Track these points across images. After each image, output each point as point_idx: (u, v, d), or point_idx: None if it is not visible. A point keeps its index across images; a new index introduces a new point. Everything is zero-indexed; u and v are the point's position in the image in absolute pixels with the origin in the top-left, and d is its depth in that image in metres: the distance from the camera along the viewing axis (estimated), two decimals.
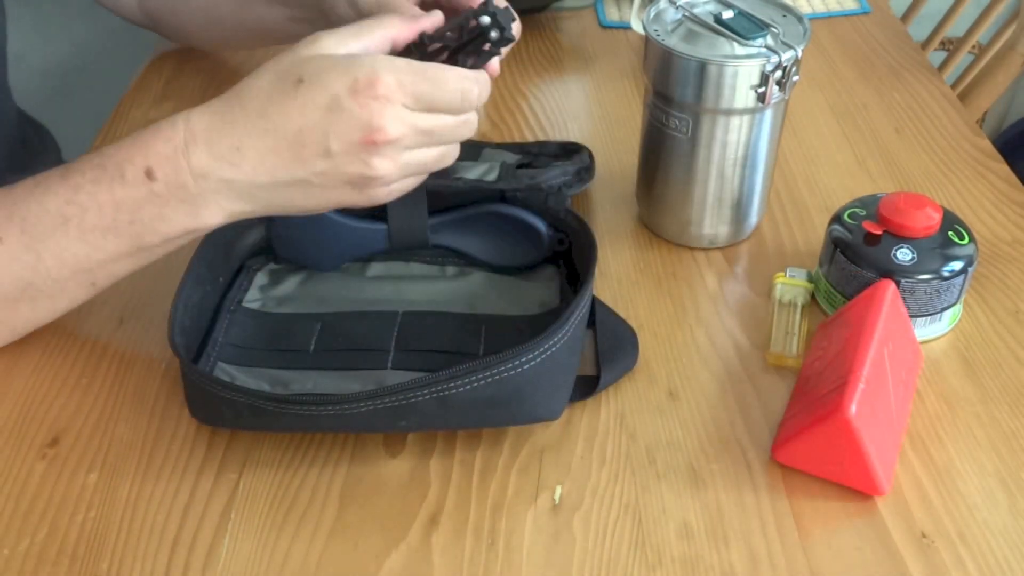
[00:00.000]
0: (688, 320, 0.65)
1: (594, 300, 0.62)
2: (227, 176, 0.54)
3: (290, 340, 0.61)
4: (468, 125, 0.56)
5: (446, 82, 0.53)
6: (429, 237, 0.66)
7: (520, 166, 0.70)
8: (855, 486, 0.53)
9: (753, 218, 0.71)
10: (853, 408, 0.50)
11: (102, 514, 0.53)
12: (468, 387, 0.52)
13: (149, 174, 0.54)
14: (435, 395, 0.52)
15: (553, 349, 0.53)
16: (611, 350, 0.61)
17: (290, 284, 0.66)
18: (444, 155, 0.56)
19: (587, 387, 0.59)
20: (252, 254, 0.66)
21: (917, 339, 0.61)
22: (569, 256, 0.65)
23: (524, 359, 0.52)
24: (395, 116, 0.52)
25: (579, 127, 0.85)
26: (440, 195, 0.65)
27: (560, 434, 0.57)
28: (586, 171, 0.70)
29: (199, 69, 0.93)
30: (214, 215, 0.55)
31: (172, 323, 0.56)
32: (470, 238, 0.66)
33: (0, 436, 0.58)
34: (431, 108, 0.53)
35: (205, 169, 0.54)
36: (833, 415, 0.51)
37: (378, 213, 0.65)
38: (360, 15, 0.65)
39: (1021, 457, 0.55)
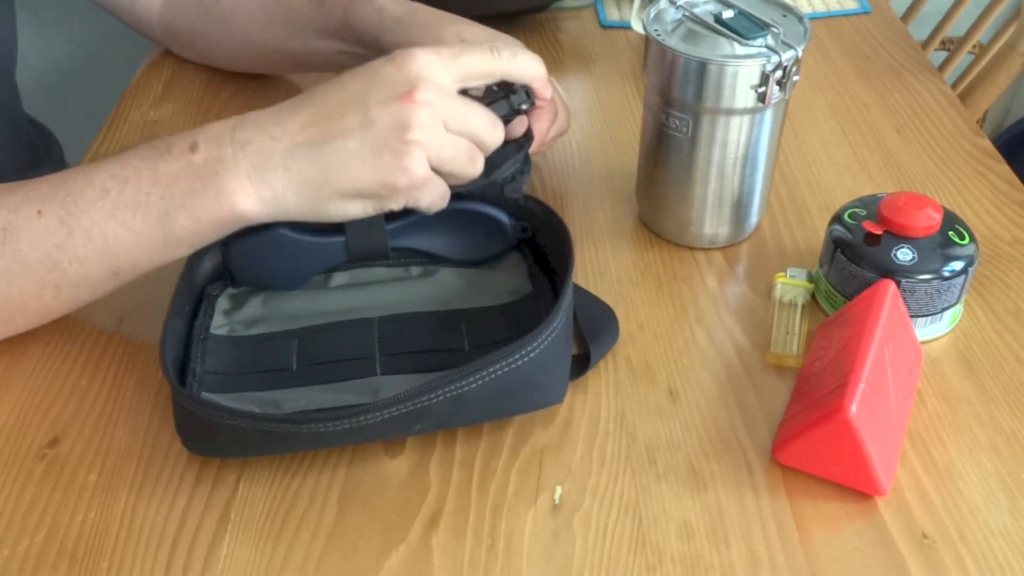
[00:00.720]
0: (688, 320, 0.65)
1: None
2: (265, 146, 0.54)
3: (270, 360, 0.60)
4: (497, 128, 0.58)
5: (478, 63, 0.57)
6: (389, 243, 0.64)
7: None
8: (855, 486, 0.53)
9: (753, 218, 0.71)
10: (853, 408, 0.50)
11: (102, 515, 0.53)
12: (481, 382, 0.52)
13: (193, 147, 0.55)
14: (450, 395, 0.52)
15: (555, 333, 0.54)
16: (594, 328, 0.62)
17: (254, 305, 0.64)
18: (472, 160, 0.57)
19: (579, 366, 0.60)
20: (210, 280, 0.64)
21: (918, 339, 0.61)
22: (532, 241, 0.66)
23: (531, 347, 0.53)
24: (435, 75, 0.55)
25: (579, 127, 0.85)
26: None
27: (560, 434, 0.57)
28: (528, 157, 0.67)
29: (199, 69, 0.93)
30: (243, 193, 0.54)
31: (164, 356, 0.54)
32: (432, 237, 0.66)
33: (0, 436, 0.58)
34: (465, 70, 0.56)
35: (246, 140, 0.54)
36: (833, 415, 0.51)
37: (334, 226, 0.62)
38: None
39: (1021, 457, 0.55)
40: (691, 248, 0.71)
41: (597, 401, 0.59)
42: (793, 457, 0.54)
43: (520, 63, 0.58)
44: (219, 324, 0.62)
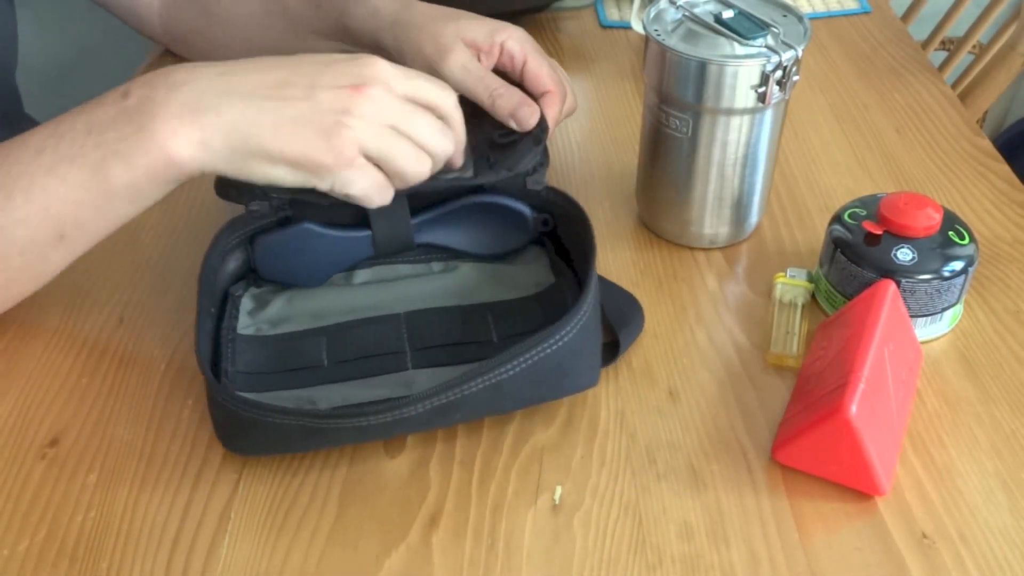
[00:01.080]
0: (688, 320, 0.65)
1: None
2: (202, 86, 0.54)
3: (301, 358, 0.60)
4: (441, 141, 0.58)
5: (432, 79, 0.58)
6: (414, 237, 0.65)
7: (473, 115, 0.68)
8: (855, 486, 0.53)
9: (753, 218, 0.71)
10: (853, 408, 0.50)
11: (102, 514, 0.53)
12: (518, 369, 0.53)
13: (125, 93, 0.55)
14: (489, 383, 0.53)
15: (585, 318, 0.55)
16: (620, 315, 0.62)
17: (278, 305, 0.64)
18: (417, 159, 0.57)
19: (609, 353, 0.60)
20: (232, 281, 0.64)
21: (918, 339, 0.61)
22: (553, 234, 0.66)
23: (564, 331, 0.53)
24: (389, 79, 0.56)
25: (579, 127, 0.85)
26: (420, 195, 0.64)
27: (560, 434, 0.57)
28: (546, 148, 0.68)
29: None
30: (173, 135, 0.53)
31: (200, 356, 0.54)
32: (455, 232, 0.66)
33: (0, 436, 0.58)
34: (414, 89, 0.57)
35: (180, 81, 0.54)
36: (833, 415, 0.51)
37: (360, 221, 0.64)
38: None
39: (1021, 457, 0.55)
40: (691, 248, 0.71)
41: (597, 401, 0.59)
42: (793, 457, 0.54)
43: (459, 120, 0.60)
44: (245, 324, 0.63)
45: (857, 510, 0.53)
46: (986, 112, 1.58)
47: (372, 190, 0.58)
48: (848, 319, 0.58)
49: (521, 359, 0.53)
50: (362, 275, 0.67)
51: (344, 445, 0.56)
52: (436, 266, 0.67)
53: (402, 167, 0.57)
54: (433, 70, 0.67)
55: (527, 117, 0.64)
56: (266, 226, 0.62)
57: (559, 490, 0.54)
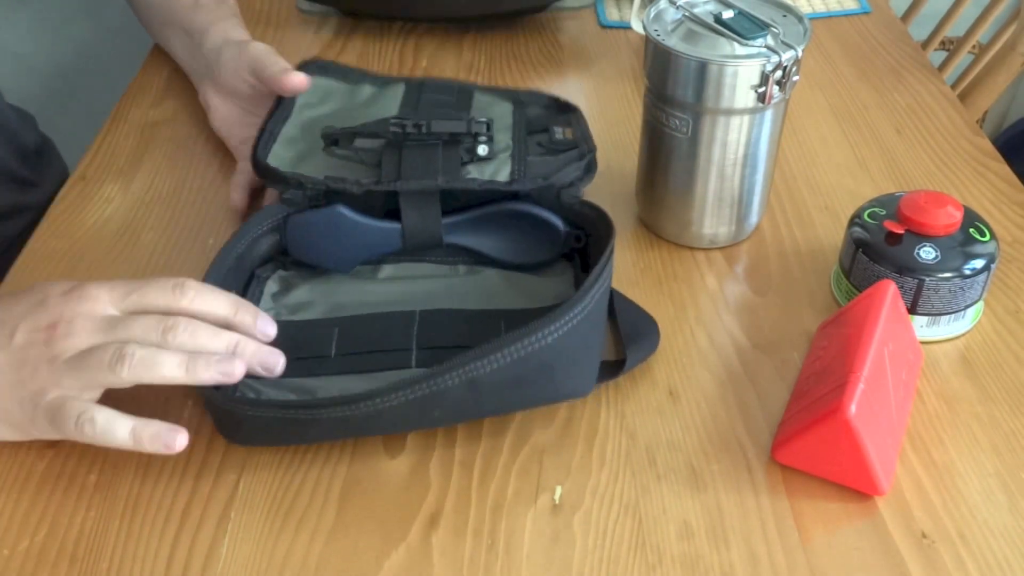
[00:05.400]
0: (688, 320, 0.65)
1: (613, 292, 0.63)
2: None
3: (310, 347, 0.61)
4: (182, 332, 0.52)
5: (152, 282, 0.54)
6: (443, 235, 0.66)
7: (530, 132, 0.69)
8: (855, 486, 0.53)
9: (753, 218, 0.71)
10: (853, 408, 0.50)
11: (102, 514, 0.53)
12: (496, 365, 0.51)
13: None
14: (464, 377, 0.51)
15: (577, 319, 0.53)
16: (633, 333, 0.61)
17: (302, 291, 0.65)
18: (150, 362, 0.51)
19: (613, 371, 0.59)
20: (261, 262, 0.66)
21: (942, 336, 0.62)
22: (584, 250, 0.66)
23: (548, 331, 0.52)
24: (88, 313, 0.52)
25: None
26: (452, 195, 0.65)
27: (560, 434, 0.57)
28: (592, 164, 0.69)
29: None
30: None
31: None
32: (485, 237, 0.66)
33: None
34: (139, 304, 0.53)
35: None
36: (833, 415, 0.51)
37: (392, 213, 0.65)
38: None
39: (1021, 457, 0.55)
40: (691, 248, 0.71)
41: (597, 401, 0.59)
42: (792, 457, 0.54)
43: (204, 303, 0.54)
44: (266, 307, 0.64)
45: (857, 510, 0.53)
46: (986, 112, 1.58)
47: (92, 430, 0.51)
48: (848, 319, 0.58)
49: (499, 354, 0.51)
50: (387, 270, 0.67)
51: (331, 440, 0.56)
52: (462, 269, 0.67)
53: (127, 376, 0.51)
54: (242, 50, 0.76)
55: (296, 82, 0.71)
56: (301, 206, 0.64)
57: (559, 490, 0.54)
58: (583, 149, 0.66)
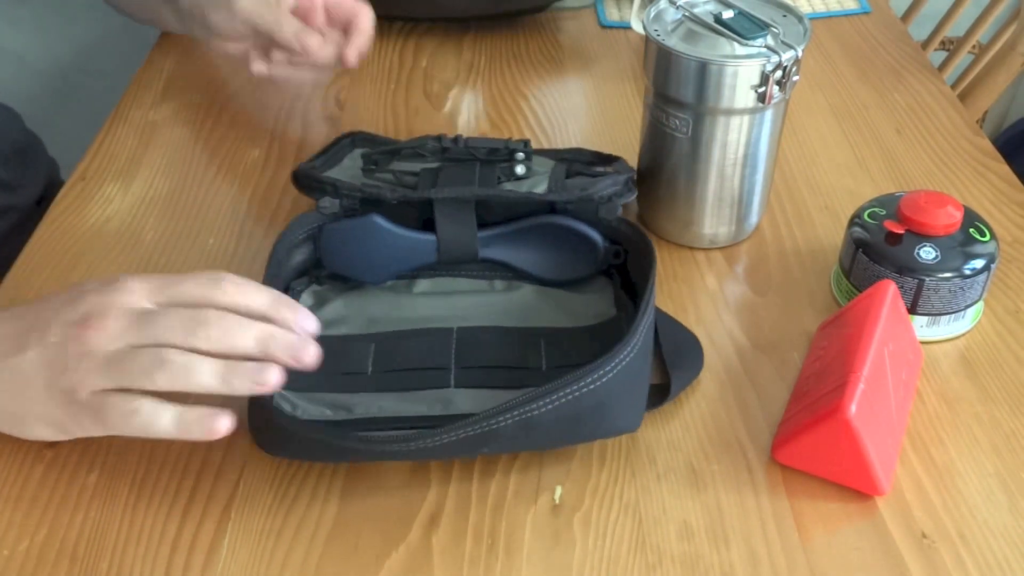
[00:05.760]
0: (688, 320, 0.65)
1: (655, 309, 0.62)
2: None
3: (346, 363, 0.60)
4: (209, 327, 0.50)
5: (189, 276, 0.52)
6: (479, 249, 0.65)
7: (568, 175, 0.69)
8: (855, 486, 0.53)
9: (753, 218, 0.71)
10: (853, 408, 0.50)
11: (102, 514, 0.53)
12: (551, 406, 0.50)
13: None
14: (518, 419, 0.50)
15: (629, 358, 0.52)
16: (677, 356, 0.60)
17: (336, 305, 0.64)
18: (181, 369, 0.49)
19: (658, 396, 0.58)
20: (296, 275, 0.65)
21: (942, 336, 0.62)
22: (623, 267, 0.64)
23: (604, 371, 0.51)
24: (122, 305, 0.51)
25: (579, 127, 0.85)
26: (488, 207, 0.64)
27: None
28: (632, 181, 0.69)
29: (200, 69, 0.93)
30: None
31: None
32: (521, 251, 0.65)
33: (0, 436, 0.58)
34: (174, 298, 0.52)
35: None
36: (833, 415, 0.51)
37: (427, 225, 0.64)
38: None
39: (1021, 457, 0.55)
40: (691, 248, 0.71)
41: None
42: (792, 457, 0.54)
43: (242, 296, 0.52)
44: None
45: (857, 510, 0.53)
46: (986, 112, 1.58)
47: (137, 422, 0.50)
48: (848, 319, 0.58)
49: (556, 396, 0.50)
50: (422, 285, 0.66)
51: (368, 461, 0.56)
52: (498, 284, 0.66)
53: (163, 383, 0.49)
54: (228, 8, 0.74)
55: (308, 40, 0.69)
56: (334, 215, 0.64)
57: (559, 490, 0.54)
58: (620, 167, 0.66)
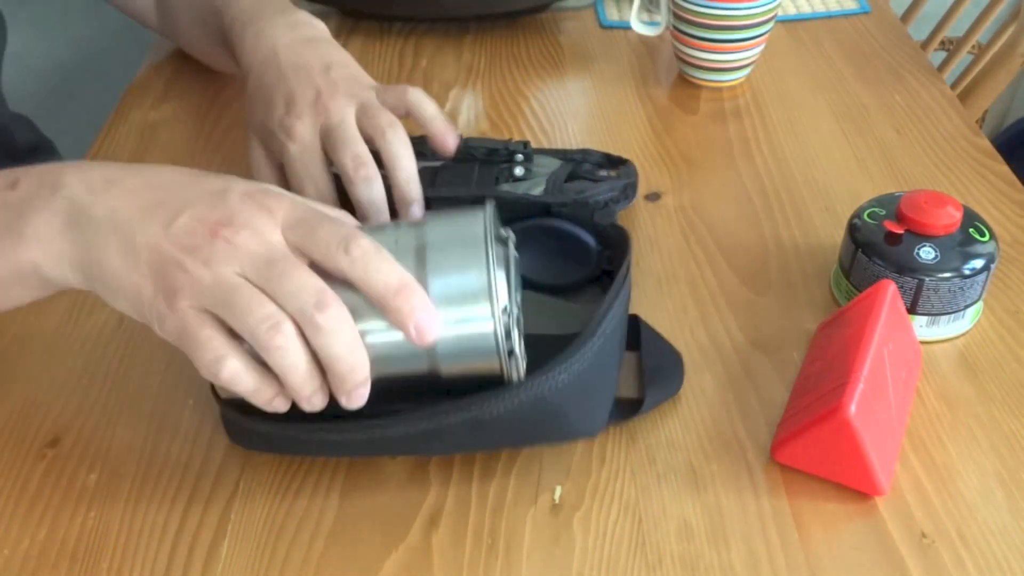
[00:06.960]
0: (688, 320, 0.65)
1: (639, 322, 0.62)
2: (76, 193, 0.49)
3: None
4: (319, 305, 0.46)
5: (326, 219, 0.49)
6: None
7: (569, 178, 0.69)
8: (855, 486, 0.53)
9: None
10: (853, 408, 0.50)
11: (102, 514, 0.53)
12: (501, 408, 0.50)
13: (14, 184, 0.50)
14: (466, 416, 0.50)
15: (585, 363, 0.51)
16: (655, 373, 0.59)
17: None
18: (275, 329, 0.46)
19: (630, 409, 0.57)
20: None
21: (942, 336, 0.62)
22: (613, 274, 0.64)
23: (554, 375, 0.50)
24: (258, 228, 0.48)
25: (579, 127, 0.85)
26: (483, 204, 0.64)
27: None
28: (632, 187, 0.68)
29: (200, 69, 0.93)
30: (38, 243, 0.49)
31: None
32: None
33: (0, 436, 0.58)
34: (304, 241, 0.48)
35: (62, 184, 0.49)
36: (833, 415, 0.51)
37: None
38: None
39: (1021, 457, 0.55)
40: (691, 246, 0.71)
41: None
42: (792, 457, 0.54)
43: (366, 270, 0.48)
44: None
45: (857, 510, 0.53)
46: (986, 112, 1.58)
47: (211, 359, 0.47)
48: (848, 319, 0.58)
49: (504, 398, 0.50)
50: None
51: (329, 456, 0.56)
52: None
53: (259, 345, 0.46)
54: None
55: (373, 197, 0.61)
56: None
57: (559, 490, 0.54)
58: (621, 172, 0.66)
